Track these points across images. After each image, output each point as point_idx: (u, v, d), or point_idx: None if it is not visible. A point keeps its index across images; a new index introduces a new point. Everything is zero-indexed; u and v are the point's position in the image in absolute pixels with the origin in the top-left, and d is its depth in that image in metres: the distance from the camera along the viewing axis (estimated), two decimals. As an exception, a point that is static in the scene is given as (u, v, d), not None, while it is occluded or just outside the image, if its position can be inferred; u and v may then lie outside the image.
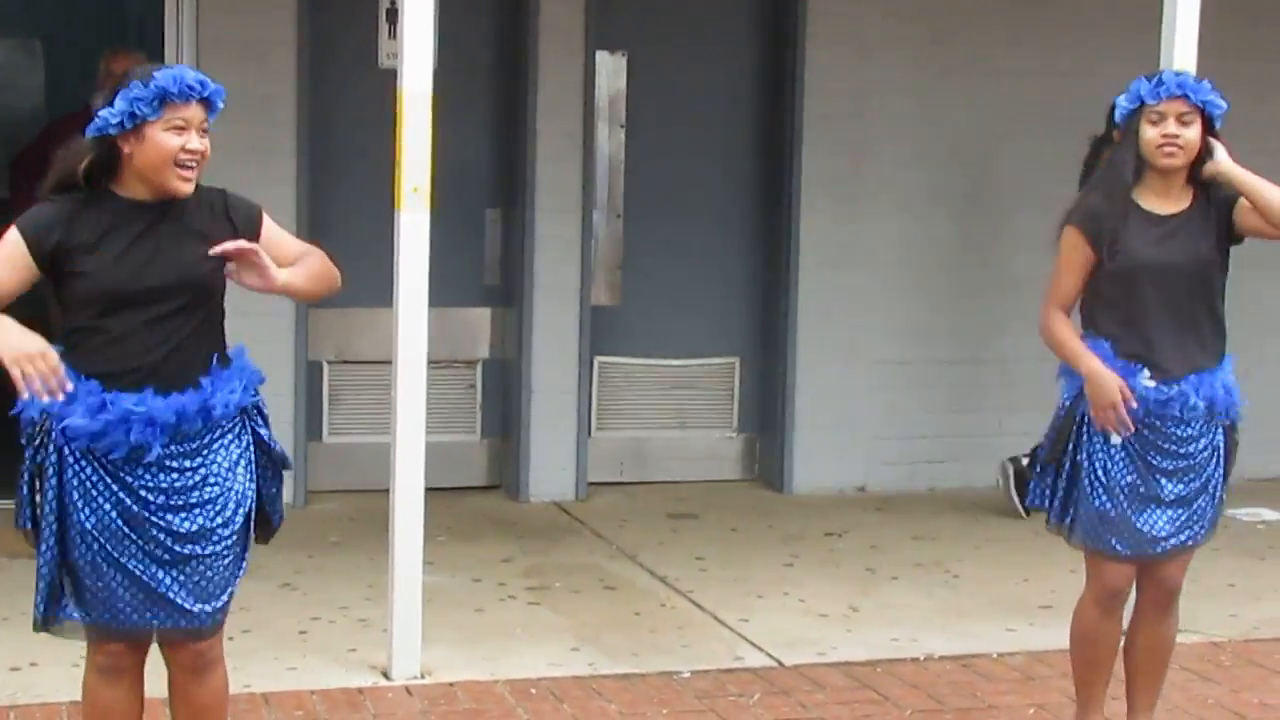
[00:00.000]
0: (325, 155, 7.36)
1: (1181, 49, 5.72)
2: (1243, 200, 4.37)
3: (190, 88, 3.55)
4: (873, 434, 8.04)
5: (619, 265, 7.94)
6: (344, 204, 7.34)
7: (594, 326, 7.85)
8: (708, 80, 8.01)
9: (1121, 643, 4.67)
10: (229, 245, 3.60)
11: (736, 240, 8.16)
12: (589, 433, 7.89)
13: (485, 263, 7.82)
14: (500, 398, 7.88)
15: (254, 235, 3.72)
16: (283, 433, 7.22)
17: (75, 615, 3.70)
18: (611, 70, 7.80)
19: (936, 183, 8.00)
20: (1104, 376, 4.29)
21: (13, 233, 3.56)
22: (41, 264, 3.56)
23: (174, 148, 3.54)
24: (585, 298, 7.79)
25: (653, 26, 7.86)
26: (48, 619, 3.72)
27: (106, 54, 7.12)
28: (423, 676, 5.24)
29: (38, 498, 3.65)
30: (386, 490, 5.30)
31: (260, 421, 3.85)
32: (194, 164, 3.59)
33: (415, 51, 5.10)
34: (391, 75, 5.41)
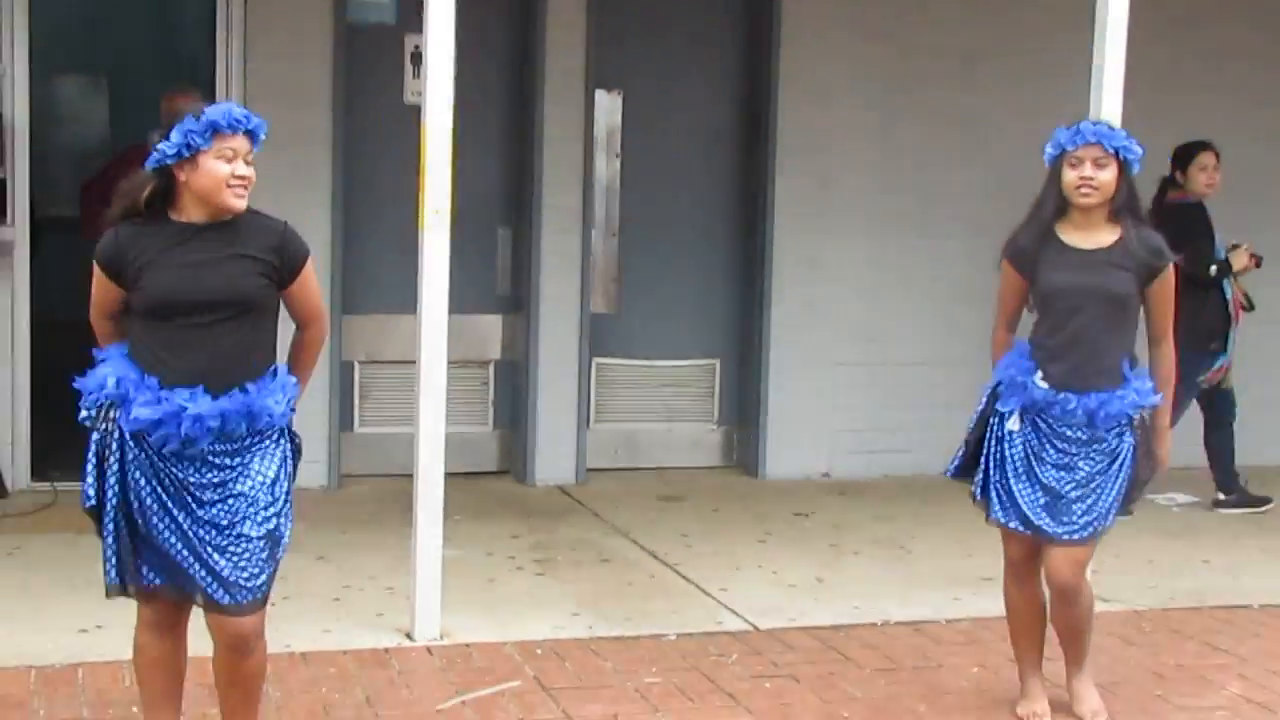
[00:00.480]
0: (357, 181, 7.33)
1: (1110, 95, 5.70)
2: (1167, 274, 4.50)
3: (237, 120, 3.59)
4: (835, 427, 8.04)
5: (614, 278, 7.93)
6: (374, 224, 7.31)
7: (592, 331, 7.84)
8: (693, 116, 8.01)
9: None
10: None
11: (718, 256, 8.15)
12: (587, 425, 7.87)
13: (497, 275, 7.80)
14: (510, 394, 7.86)
15: (292, 276, 3.75)
16: (319, 424, 7.27)
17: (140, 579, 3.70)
18: (609, 107, 7.78)
19: (890, 208, 8.00)
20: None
21: (95, 265, 3.67)
22: (119, 283, 3.64)
23: (224, 174, 3.58)
24: (585, 306, 7.78)
25: (645, 69, 7.85)
26: (121, 585, 3.73)
27: (165, 93, 7.08)
28: (441, 638, 5.24)
29: (100, 479, 3.65)
30: (410, 475, 5.30)
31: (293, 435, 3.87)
32: (243, 186, 3.61)
33: (436, 90, 5.09)
34: (415, 111, 5.39)
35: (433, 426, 5.21)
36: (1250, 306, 7.49)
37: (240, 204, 3.63)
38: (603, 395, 8.00)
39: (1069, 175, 4.38)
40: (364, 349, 7.54)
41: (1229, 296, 7.36)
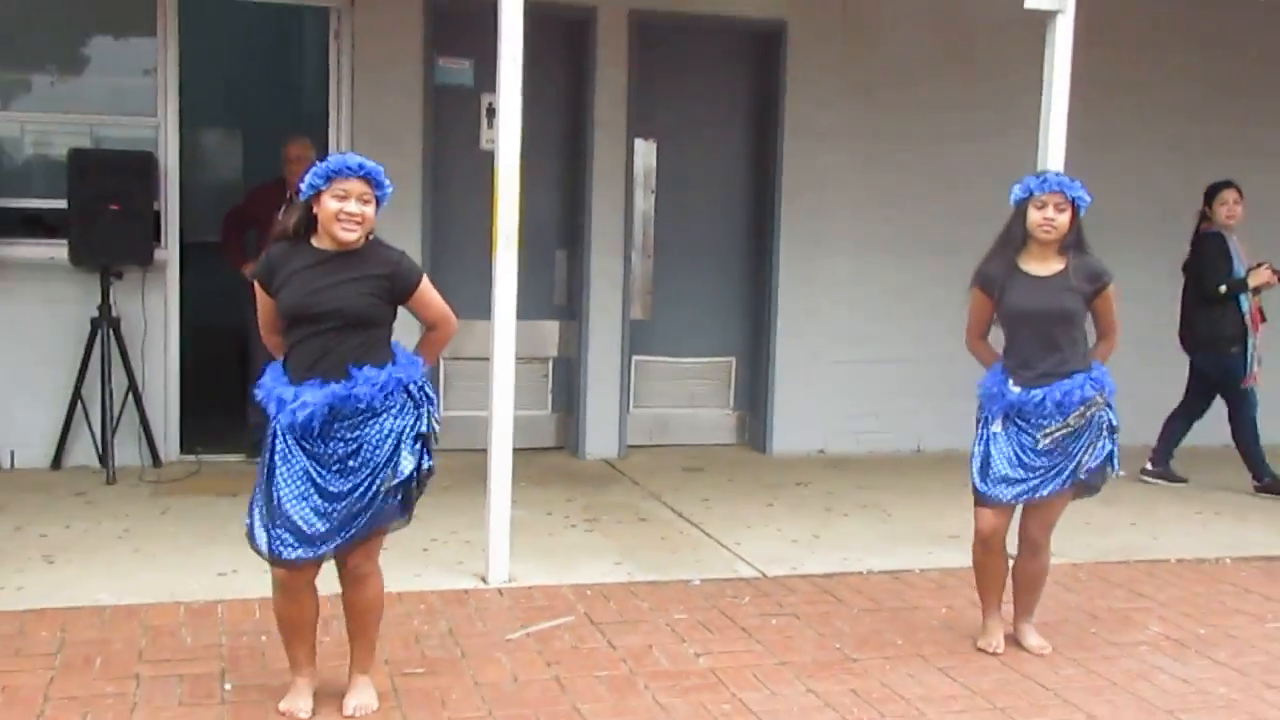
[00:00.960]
0: (443, 212, 7.37)
1: (1055, 147, 5.70)
2: (1109, 292, 4.57)
3: (349, 167, 3.63)
4: (829, 413, 8.03)
5: (649, 291, 7.93)
6: (456, 246, 7.33)
7: (632, 334, 7.84)
8: (713, 160, 8.01)
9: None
10: None
11: (733, 273, 8.14)
12: (628, 410, 7.87)
13: (555, 288, 7.81)
14: (565, 384, 7.87)
15: (406, 295, 3.81)
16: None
17: (276, 537, 3.74)
18: (645, 152, 7.79)
19: (873, 235, 7.99)
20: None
21: (256, 283, 3.78)
22: (269, 293, 3.76)
23: (334, 210, 3.63)
24: (625, 314, 7.78)
25: (674, 122, 7.85)
26: (259, 547, 3.79)
27: (286, 141, 7.15)
28: (509, 582, 5.26)
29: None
30: (485, 450, 5.30)
31: (428, 419, 3.89)
32: (353, 222, 3.63)
33: (507, 138, 5.11)
34: (489, 155, 5.41)
35: (503, 411, 5.22)
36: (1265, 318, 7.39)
37: (349, 236, 3.65)
38: (640, 386, 7.99)
39: (1034, 215, 4.42)
40: (449, 348, 7.51)
41: (1245, 309, 7.26)
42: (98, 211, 6.57)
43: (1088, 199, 4.47)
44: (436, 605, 4.95)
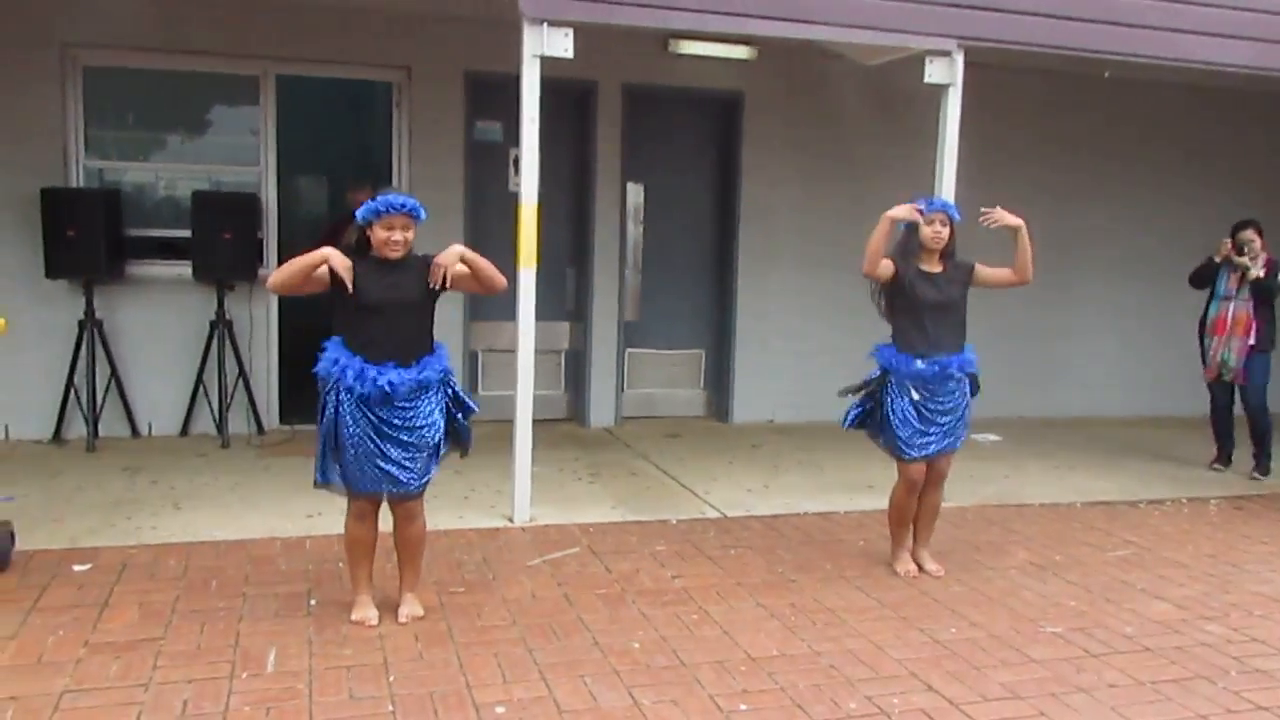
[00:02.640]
0: (479, 238, 7.30)
1: (946, 184, 5.69)
2: (978, 269, 4.57)
3: (393, 206, 3.66)
4: (777, 390, 8.02)
5: (639, 298, 7.89)
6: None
7: (625, 332, 7.81)
8: (687, 197, 7.97)
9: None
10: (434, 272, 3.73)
11: (703, 284, 8.11)
12: (622, 390, 7.85)
13: (566, 297, 7.78)
14: (574, 370, 7.85)
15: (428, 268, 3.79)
16: (456, 389, 7.28)
17: (337, 481, 3.77)
18: (635, 192, 7.74)
19: (811, 254, 7.97)
20: (895, 210, 4.43)
21: (331, 250, 3.68)
22: (333, 279, 3.67)
23: (383, 238, 3.67)
24: (621, 316, 7.75)
25: (658, 168, 7.80)
26: (322, 483, 3.81)
27: (352, 185, 7.14)
28: (531, 521, 5.26)
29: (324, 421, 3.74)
30: (512, 420, 5.29)
31: (455, 386, 3.90)
32: (397, 245, 3.68)
33: (528, 182, 5.10)
34: (514, 195, 5.39)
35: (525, 390, 5.22)
36: None
37: (395, 255, 3.70)
38: (632, 372, 7.96)
39: (926, 230, 4.48)
40: (484, 342, 7.55)
41: (1212, 312, 6.85)
42: (214, 239, 6.56)
43: (959, 217, 4.56)
44: (474, 539, 4.96)
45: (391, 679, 3.46)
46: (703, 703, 3.39)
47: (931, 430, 4.50)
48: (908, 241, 4.53)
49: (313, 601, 4.10)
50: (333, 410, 3.69)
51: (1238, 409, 6.91)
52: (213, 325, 6.68)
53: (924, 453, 4.52)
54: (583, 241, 7.67)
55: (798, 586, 4.50)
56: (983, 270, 4.61)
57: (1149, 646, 4.01)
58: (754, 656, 3.76)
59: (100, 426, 6.53)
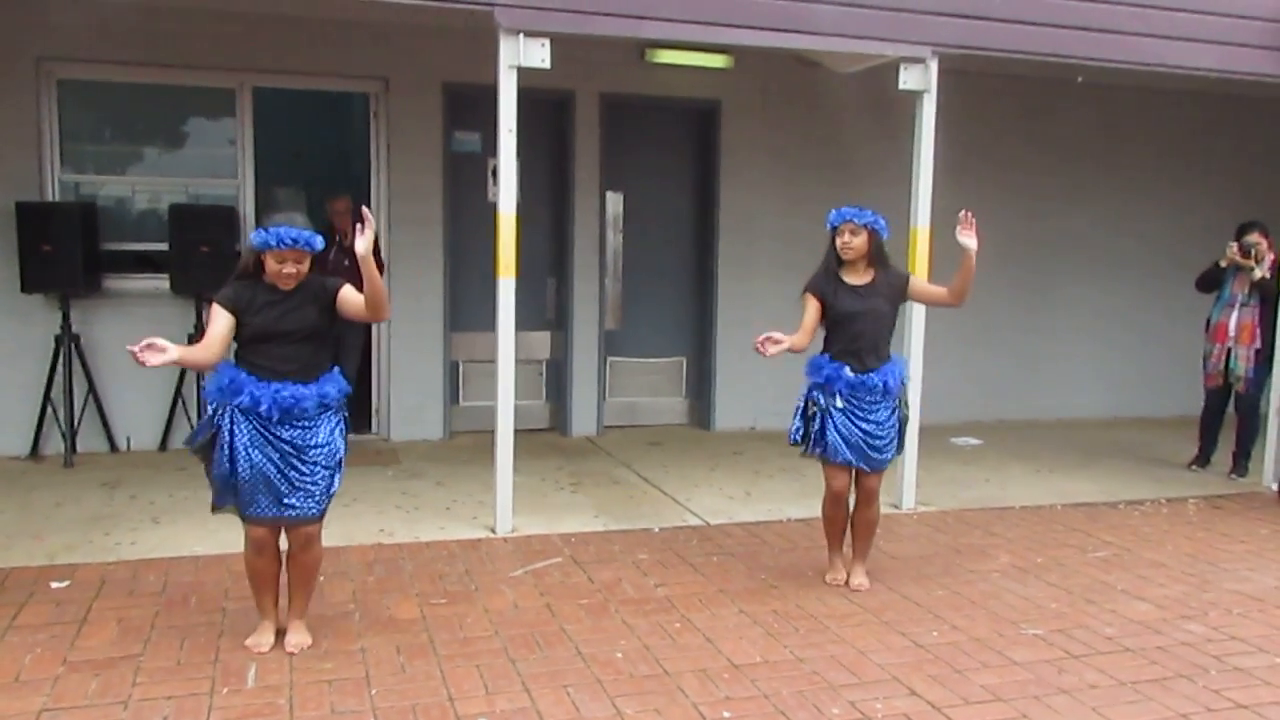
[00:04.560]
0: (458, 249, 7.33)
1: (923, 192, 5.72)
2: (912, 282, 4.53)
3: (283, 240, 3.48)
4: (758, 398, 8.01)
5: (620, 307, 7.89)
6: (469, 275, 7.31)
7: (606, 341, 7.81)
8: (667, 205, 7.98)
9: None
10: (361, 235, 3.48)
11: (684, 293, 8.12)
12: (604, 398, 7.84)
13: (546, 306, 7.76)
14: (555, 380, 7.83)
15: (324, 298, 3.60)
16: (438, 400, 7.29)
17: (233, 503, 3.63)
18: (614, 201, 7.74)
19: (790, 260, 7.89)
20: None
21: (217, 306, 3.54)
22: (235, 316, 3.54)
23: (274, 270, 3.53)
24: (601, 325, 7.74)
25: (636, 176, 7.81)
26: (215, 507, 3.67)
27: (328, 198, 7.11)
28: (512, 532, 5.23)
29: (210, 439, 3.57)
30: (493, 430, 5.27)
31: (346, 411, 3.75)
32: (289, 278, 3.53)
33: (506, 192, 5.09)
34: (493, 205, 5.38)
35: (506, 400, 5.19)
36: None
37: (289, 285, 3.54)
38: (613, 380, 7.95)
39: (837, 241, 4.44)
40: (465, 353, 7.53)
41: (1213, 318, 6.73)
42: (192, 252, 6.52)
43: (882, 223, 4.44)
44: (456, 550, 4.94)
45: (373, 692, 3.44)
46: (686, 711, 3.39)
47: (857, 441, 4.38)
48: (828, 255, 4.48)
49: (294, 615, 4.07)
50: (227, 433, 3.53)
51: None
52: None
53: (843, 459, 4.40)
54: (562, 251, 7.66)
55: (780, 593, 4.50)
56: (918, 284, 4.56)
57: (1130, 647, 4.03)
58: (737, 664, 3.75)
59: (78, 442, 6.47)
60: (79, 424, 6.48)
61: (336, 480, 3.69)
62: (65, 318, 6.40)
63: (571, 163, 7.51)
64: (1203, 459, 7.03)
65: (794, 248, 8.00)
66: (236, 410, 3.53)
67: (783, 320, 8.04)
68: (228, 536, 5.00)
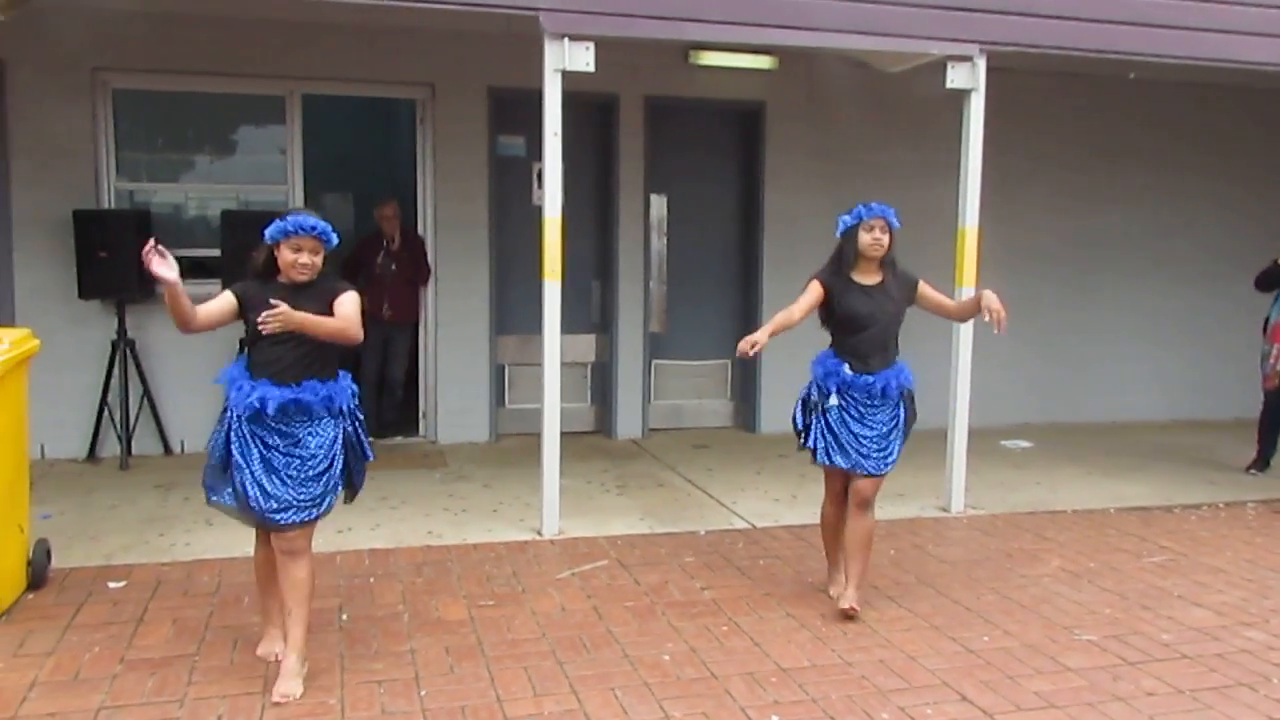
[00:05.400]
0: (504, 251, 7.37)
1: (971, 191, 5.66)
2: (921, 288, 4.35)
3: (301, 226, 3.42)
4: (803, 400, 7.97)
5: (664, 310, 7.89)
6: (515, 278, 7.34)
7: (651, 344, 7.80)
8: (710, 207, 7.96)
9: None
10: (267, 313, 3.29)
11: (727, 294, 8.09)
12: (649, 401, 7.83)
13: (591, 309, 7.77)
14: (601, 383, 7.84)
15: (331, 301, 3.47)
16: (484, 402, 7.31)
17: (227, 501, 3.49)
18: (658, 204, 7.75)
19: (837, 263, 7.93)
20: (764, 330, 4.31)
21: (229, 291, 3.50)
22: (240, 311, 3.49)
23: (289, 260, 3.45)
24: (646, 328, 7.74)
25: (680, 179, 7.81)
26: (213, 501, 3.57)
27: (379, 201, 7.17)
28: (559, 534, 5.24)
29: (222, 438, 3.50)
30: (540, 433, 5.28)
31: (353, 421, 3.59)
32: (305, 268, 3.45)
33: (551, 195, 5.10)
34: (539, 209, 5.39)
35: (553, 403, 5.21)
36: None
37: (302, 278, 3.44)
38: (658, 383, 7.95)
39: (864, 237, 4.25)
40: (511, 356, 7.56)
41: (1270, 317, 6.62)
42: (243, 257, 6.55)
43: (898, 225, 4.31)
44: (503, 552, 4.96)
45: (423, 693, 3.47)
46: (734, 714, 3.38)
47: (847, 443, 4.22)
48: (843, 251, 4.32)
49: (344, 616, 4.11)
50: (224, 428, 3.48)
51: None
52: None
53: (830, 461, 4.25)
54: (607, 254, 7.68)
55: (827, 597, 4.46)
56: (927, 290, 4.37)
57: (1187, 654, 3.95)
58: (785, 668, 3.73)
59: (133, 444, 6.60)
60: (134, 427, 6.60)
61: (329, 492, 3.50)
62: (121, 323, 6.53)
63: (616, 165, 7.52)
64: (1261, 462, 6.87)
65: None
66: (235, 409, 3.45)
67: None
68: (279, 538, 5.07)
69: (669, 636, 3.99)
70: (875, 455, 4.23)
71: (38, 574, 4.33)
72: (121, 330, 6.53)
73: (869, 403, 4.26)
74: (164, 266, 3.31)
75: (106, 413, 6.58)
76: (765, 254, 7.85)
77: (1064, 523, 5.69)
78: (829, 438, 4.29)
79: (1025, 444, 7.67)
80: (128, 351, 6.56)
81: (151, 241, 3.31)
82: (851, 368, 4.27)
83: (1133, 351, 8.72)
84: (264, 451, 3.44)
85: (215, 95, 6.91)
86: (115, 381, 6.54)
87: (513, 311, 7.42)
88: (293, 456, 3.44)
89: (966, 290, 5.54)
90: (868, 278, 4.32)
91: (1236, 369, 8.15)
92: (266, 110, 7.01)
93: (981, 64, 5.61)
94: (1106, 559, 5.06)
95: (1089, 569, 4.91)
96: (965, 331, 5.74)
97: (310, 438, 3.46)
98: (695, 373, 8.08)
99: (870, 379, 4.24)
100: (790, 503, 5.97)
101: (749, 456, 7.15)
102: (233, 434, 3.46)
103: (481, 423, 7.36)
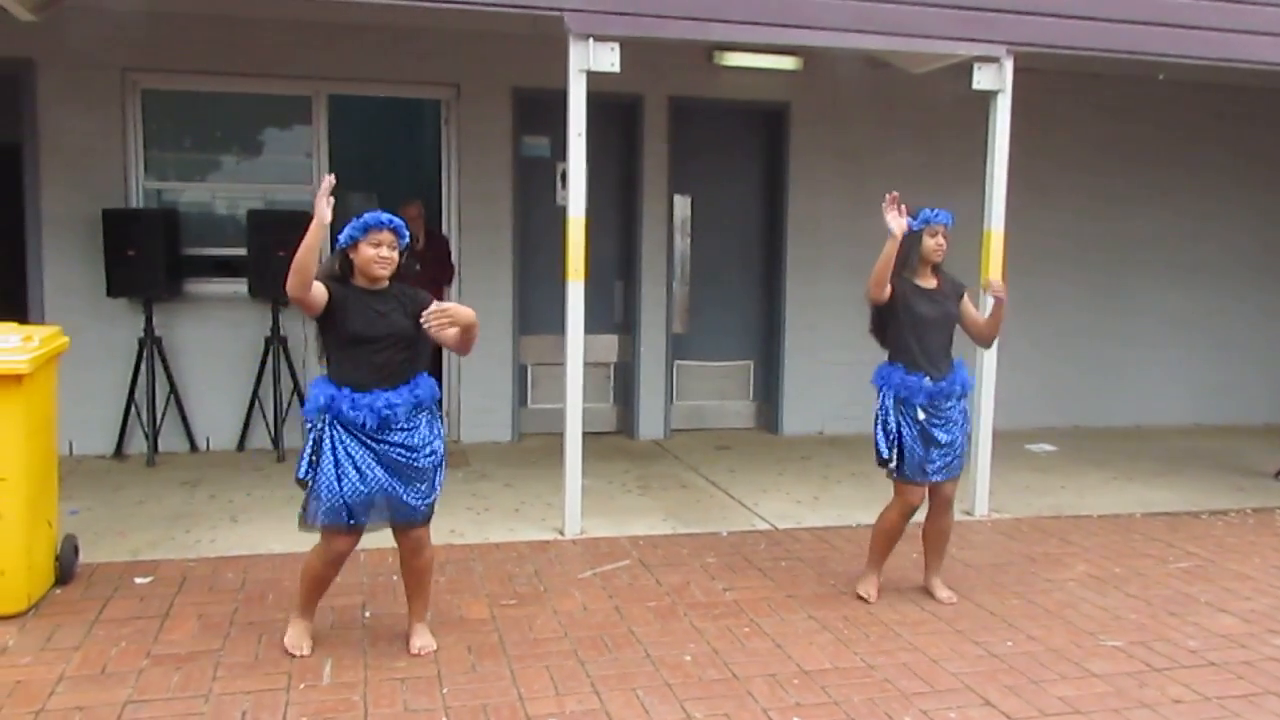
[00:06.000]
0: (528, 252, 7.39)
1: (997, 197, 5.63)
2: (965, 300, 4.40)
3: (380, 222, 3.52)
4: (827, 402, 7.95)
5: (687, 310, 7.88)
6: (538, 278, 7.36)
7: (674, 344, 7.80)
8: (734, 208, 7.95)
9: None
10: (428, 311, 3.48)
11: (751, 297, 8.08)
12: (671, 402, 7.83)
13: (614, 309, 7.78)
14: (623, 383, 7.85)
15: (413, 309, 3.57)
16: (506, 402, 7.34)
17: (341, 521, 3.53)
18: (681, 204, 7.75)
19: (859, 263, 7.77)
20: (896, 226, 4.15)
21: (326, 278, 3.52)
22: (329, 304, 3.49)
23: (373, 255, 3.52)
24: (669, 328, 7.74)
25: (704, 180, 7.80)
26: (312, 525, 3.59)
27: (403, 202, 7.20)
28: (581, 534, 5.25)
29: (315, 460, 3.53)
30: (562, 433, 5.29)
31: (439, 413, 3.74)
32: (386, 264, 3.53)
33: (575, 196, 5.11)
34: (562, 209, 5.41)
35: (575, 403, 5.22)
36: None
37: (383, 273, 3.54)
38: (680, 384, 7.94)
39: (929, 241, 4.28)
40: (533, 356, 7.58)
41: None
42: (269, 257, 6.64)
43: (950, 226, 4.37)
44: (525, 552, 4.97)
45: (445, 691, 3.48)
46: (755, 716, 3.37)
47: (934, 454, 4.25)
48: (910, 253, 4.29)
49: (367, 614, 4.14)
50: (329, 447, 3.50)
51: None
52: (268, 342, 6.79)
53: (929, 478, 4.28)
54: (630, 254, 7.68)
55: (850, 599, 4.45)
56: (968, 304, 4.41)
57: (1214, 661, 3.91)
58: (807, 670, 3.72)
59: (160, 441, 6.66)
60: (161, 424, 6.66)
61: (440, 480, 3.69)
62: (148, 321, 6.59)
63: (640, 166, 7.53)
64: None
65: (862, 251, 7.87)
66: (337, 425, 3.51)
67: (852, 323, 8.03)
68: (304, 535, 5.09)
69: (691, 637, 3.98)
70: (958, 457, 4.36)
71: (65, 569, 4.38)
72: (149, 328, 6.59)
73: (948, 406, 4.31)
74: (327, 207, 3.40)
75: (134, 410, 6.65)
76: (789, 255, 7.84)
77: (1089, 527, 5.65)
78: (924, 452, 4.27)
79: (1050, 448, 7.61)
80: (155, 349, 6.62)
81: (332, 179, 3.41)
82: (931, 377, 4.28)
83: (1159, 355, 8.65)
84: (391, 457, 3.53)
85: (242, 95, 6.97)
86: (142, 379, 6.60)
87: (536, 311, 7.44)
88: (413, 453, 3.56)
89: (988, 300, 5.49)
90: (926, 281, 4.36)
91: (1264, 373, 8.08)
92: (293, 110, 7.06)
93: (1009, 65, 5.58)
94: (1132, 564, 5.02)
95: (1114, 574, 4.87)
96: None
97: (419, 433, 3.58)
98: (718, 374, 8.07)
99: (945, 384, 4.29)
100: (812, 504, 5.95)
101: (771, 458, 7.13)
102: (348, 450, 3.49)
103: (504, 422, 7.38)
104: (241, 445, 6.90)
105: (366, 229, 3.51)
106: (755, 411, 8.17)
